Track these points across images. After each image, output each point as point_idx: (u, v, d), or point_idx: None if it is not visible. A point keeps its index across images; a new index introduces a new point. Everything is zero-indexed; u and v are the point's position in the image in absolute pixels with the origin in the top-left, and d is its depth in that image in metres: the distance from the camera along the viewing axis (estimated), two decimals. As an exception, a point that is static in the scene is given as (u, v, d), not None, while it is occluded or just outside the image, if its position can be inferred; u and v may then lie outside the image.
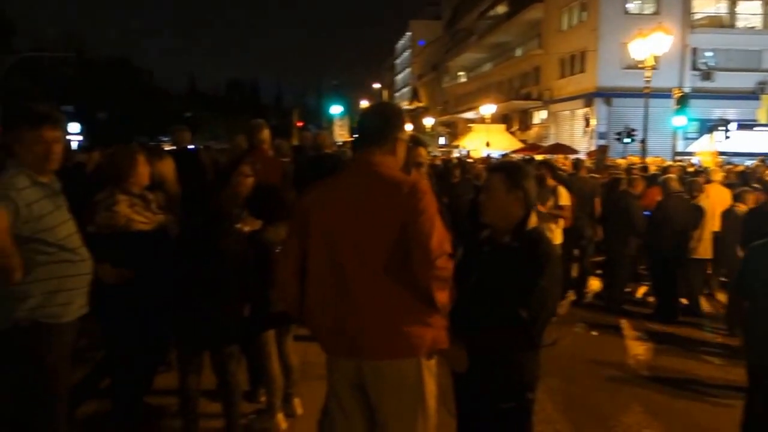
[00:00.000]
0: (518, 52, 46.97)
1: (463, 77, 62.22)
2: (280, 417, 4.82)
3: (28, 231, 3.35)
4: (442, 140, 54.35)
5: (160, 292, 4.62)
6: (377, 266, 2.86)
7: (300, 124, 43.14)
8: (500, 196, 3.27)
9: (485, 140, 34.58)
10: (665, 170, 13.32)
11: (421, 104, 73.21)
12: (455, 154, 37.28)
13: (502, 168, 3.41)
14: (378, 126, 3.09)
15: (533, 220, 3.34)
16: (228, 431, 4.58)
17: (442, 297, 2.88)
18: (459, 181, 11.32)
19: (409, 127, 55.06)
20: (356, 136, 3.22)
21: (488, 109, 39.51)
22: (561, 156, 24.85)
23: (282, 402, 4.93)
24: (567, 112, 39.32)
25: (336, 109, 31.36)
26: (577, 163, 12.31)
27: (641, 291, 10.78)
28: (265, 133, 6.73)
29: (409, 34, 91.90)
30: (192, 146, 8.52)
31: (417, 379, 2.95)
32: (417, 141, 3.93)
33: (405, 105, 79.72)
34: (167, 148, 8.28)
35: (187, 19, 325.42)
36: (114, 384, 5.00)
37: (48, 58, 56.07)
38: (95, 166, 8.55)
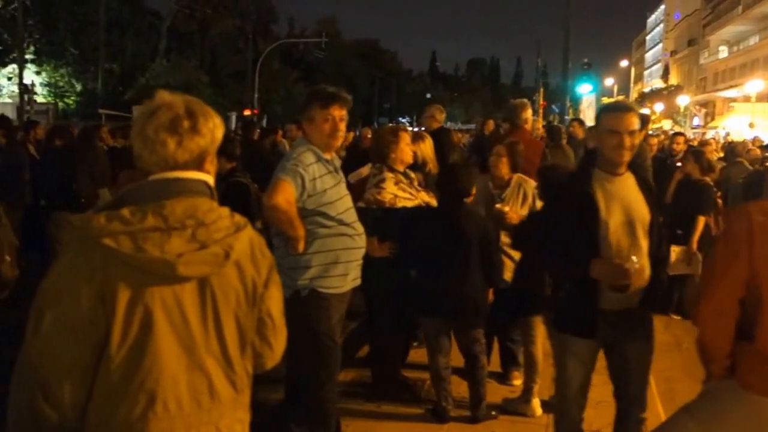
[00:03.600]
0: (792, 22, 42.02)
1: (724, 52, 57.17)
2: (536, 402, 4.72)
3: (311, 204, 3.53)
4: (696, 120, 50.55)
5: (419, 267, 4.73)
6: None
7: (543, 104, 42.11)
8: None
9: (749, 121, 31.42)
10: None
11: (674, 83, 68.67)
12: (709, 135, 34.34)
13: None
14: None
15: None
16: (473, 409, 4.61)
17: None
18: (728, 165, 10.50)
19: (659, 107, 51.42)
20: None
21: (754, 86, 35.90)
22: None
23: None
24: None
25: (586, 89, 29.87)
26: None
27: None
28: (529, 113, 6.62)
29: (662, 7, 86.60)
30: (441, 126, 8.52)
31: None
32: None
33: (657, 83, 75.09)
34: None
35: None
36: (372, 353, 5.20)
37: (303, 43, 60.52)
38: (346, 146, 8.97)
